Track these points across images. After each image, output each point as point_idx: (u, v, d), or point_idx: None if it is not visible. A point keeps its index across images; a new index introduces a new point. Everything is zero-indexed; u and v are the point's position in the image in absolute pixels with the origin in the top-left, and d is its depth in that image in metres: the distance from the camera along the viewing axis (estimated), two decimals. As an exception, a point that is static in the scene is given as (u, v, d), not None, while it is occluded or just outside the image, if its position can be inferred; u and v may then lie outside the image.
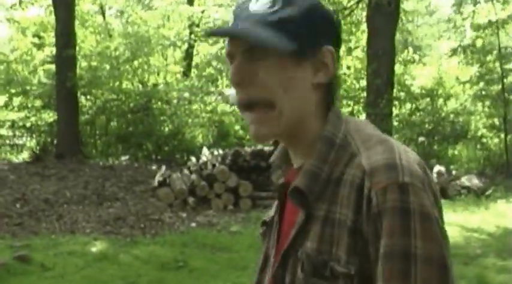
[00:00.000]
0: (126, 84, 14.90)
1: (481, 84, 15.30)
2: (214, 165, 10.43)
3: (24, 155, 15.94)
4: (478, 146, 15.55)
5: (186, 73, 16.86)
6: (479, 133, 15.35)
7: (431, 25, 26.93)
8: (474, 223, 9.45)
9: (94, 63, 15.22)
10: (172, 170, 11.20)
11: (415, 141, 14.29)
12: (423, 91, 15.75)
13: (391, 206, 1.00)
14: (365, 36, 15.32)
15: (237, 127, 15.10)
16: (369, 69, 14.02)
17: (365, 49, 15.31)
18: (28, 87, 15.25)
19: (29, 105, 15.39)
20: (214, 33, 1.32)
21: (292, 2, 1.15)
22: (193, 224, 9.01)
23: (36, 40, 15.31)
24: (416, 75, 17.31)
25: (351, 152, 1.12)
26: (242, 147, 13.04)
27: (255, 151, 10.53)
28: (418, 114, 15.30)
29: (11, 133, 16.89)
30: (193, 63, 17.78)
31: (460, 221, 9.45)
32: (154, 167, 13.56)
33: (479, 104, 15.67)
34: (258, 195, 10.20)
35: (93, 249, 7.51)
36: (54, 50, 15.92)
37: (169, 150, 14.00)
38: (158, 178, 10.50)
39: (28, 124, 15.76)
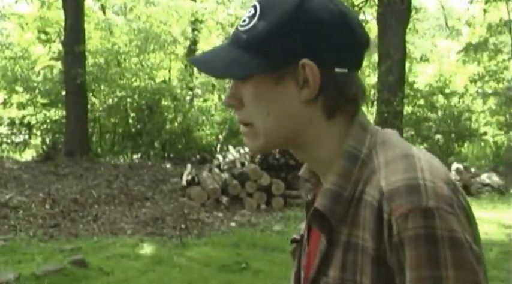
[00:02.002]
0: (134, 81, 14.60)
1: (491, 82, 15.41)
2: (243, 164, 10.27)
3: (27, 153, 15.57)
4: (483, 143, 15.69)
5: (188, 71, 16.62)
6: (488, 131, 15.47)
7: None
8: (508, 220, 9.49)
9: (101, 60, 14.89)
10: (196, 168, 11.00)
11: (432, 139, 14.32)
12: (430, 89, 15.81)
13: (414, 234, 0.90)
14: (372, 34, 15.29)
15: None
16: (382, 67, 14.00)
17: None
18: (34, 84, 14.82)
19: (35, 102, 14.97)
20: (189, 61, 1.24)
21: (268, 13, 1.04)
22: (233, 224, 8.84)
23: (42, 36, 14.90)
24: (419, 73, 17.42)
25: (371, 168, 1.02)
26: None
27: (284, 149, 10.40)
28: (432, 111, 15.32)
29: (9, 131, 16.49)
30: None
31: (493, 219, 9.49)
32: (168, 165, 13.35)
33: (488, 102, 15.81)
34: (289, 193, 10.08)
35: (143, 251, 7.30)
36: (59, 46, 15.64)
37: (181, 147, 13.77)
38: (186, 176, 10.30)
39: (33, 122, 15.35)
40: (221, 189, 9.79)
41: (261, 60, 1.04)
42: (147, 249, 7.40)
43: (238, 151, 10.89)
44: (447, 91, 15.91)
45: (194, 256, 7.13)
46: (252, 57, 1.04)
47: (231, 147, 11.35)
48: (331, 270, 1.03)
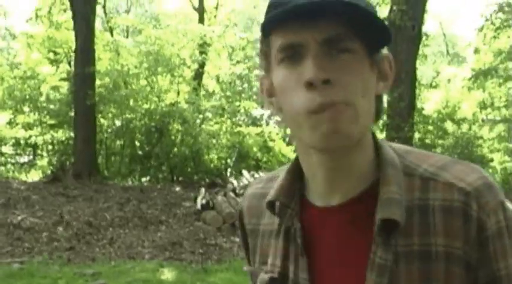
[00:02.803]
0: (144, 103, 14.53)
1: (502, 109, 15.44)
2: (258, 188, 10.16)
3: (33, 174, 15.42)
4: (491, 170, 15.68)
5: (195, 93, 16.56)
6: (495, 157, 15.48)
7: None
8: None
9: (107, 80, 14.81)
10: (208, 192, 10.86)
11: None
12: (439, 115, 15.82)
13: (501, 226, 0.95)
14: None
15: (255, 148, 14.86)
16: (394, 92, 13.96)
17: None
18: (43, 104, 14.73)
19: (42, 123, 14.85)
20: (297, 10, 0.90)
21: None
22: (251, 250, 8.69)
23: (51, 55, 14.85)
24: (426, 99, 17.42)
25: (420, 175, 0.98)
26: (262, 170, 12.86)
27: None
28: (442, 138, 15.31)
29: (14, 151, 16.36)
30: (203, 83, 17.52)
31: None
32: (178, 188, 13.21)
33: (495, 129, 15.84)
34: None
35: (164, 277, 7.14)
36: (67, 66, 15.59)
37: (191, 171, 13.65)
38: (200, 200, 10.15)
39: (40, 142, 15.23)
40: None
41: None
42: (167, 274, 7.24)
43: (252, 175, 10.79)
44: (456, 117, 15.92)
45: (217, 282, 6.98)
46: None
47: (244, 171, 11.23)
48: None
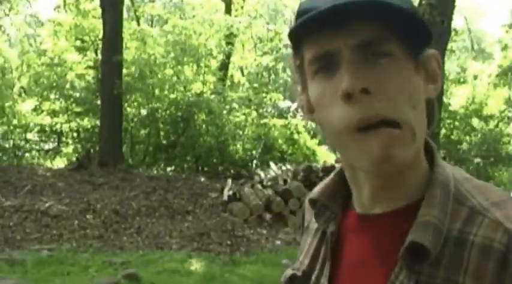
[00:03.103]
0: (170, 93, 14.51)
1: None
2: (285, 181, 10.10)
3: (58, 161, 15.49)
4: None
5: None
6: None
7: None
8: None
9: (133, 69, 14.80)
10: (235, 183, 10.82)
11: (471, 162, 14.11)
12: (466, 111, 15.64)
13: None
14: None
15: (280, 140, 14.79)
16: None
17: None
18: (69, 92, 14.77)
19: (69, 110, 14.90)
20: (325, 13, 0.81)
21: None
22: (278, 242, 8.65)
23: (78, 43, 14.87)
24: (451, 95, 17.23)
25: (471, 207, 0.86)
26: (289, 162, 12.77)
27: (327, 167, 10.24)
28: (469, 134, 15.15)
29: (39, 138, 16.43)
30: (229, 74, 17.45)
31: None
32: (203, 179, 13.16)
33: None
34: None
35: (193, 267, 7.12)
36: (93, 54, 15.59)
37: (216, 162, 13.62)
38: (227, 192, 10.11)
39: (65, 130, 15.28)
40: (264, 205, 9.61)
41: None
42: (196, 265, 7.22)
43: (280, 168, 10.72)
44: (482, 114, 15.75)
45: (246, 274, 6.94)
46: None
47: (272, 164, 11.16)
48: None
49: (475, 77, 16.36)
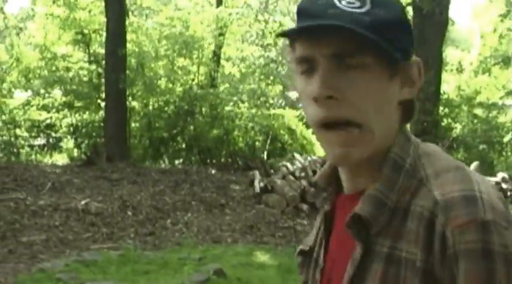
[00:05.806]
0: (175, 86, 14.43)
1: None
2: (314, 171, 10.25)
3: (57, 157, 15.18)
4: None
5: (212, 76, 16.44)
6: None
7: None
8: None
9: (132, 62, 14.61)
10: (262, 175, 10.89)
11: (476, 148, 14.56)
12: (461, 99, 16.09)
13: (471, 248, 0.86)
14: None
15: (282, 131, 14.91)
16: (424, 77, 14.09)
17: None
18: (73, 87, 14.47)
19: (70, 105, 14.59)
20: (302, 29, 0.96)
21: (382, 4, 0.96)
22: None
23: (78, 37, 14.54)
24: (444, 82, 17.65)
25: (419, 179, 0.96)
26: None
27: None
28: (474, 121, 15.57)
29: (35, 134, 16.02)
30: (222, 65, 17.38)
31: None
32: (214, 171, 13.17)
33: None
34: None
35: (260, 260, 7.21)
36: (91, 48, 15.27)
37: (226, 154, 13.66)
38: (258, 184, 10.20)
39: (65, 125, 14.97)
40: (300, 196, 9.76)
41: (394, 49, 0.95)
42: (262, 258, 7.31)
43: (306, 159, 10.87)
44: (477, 101, 16.24)
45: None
46: (386, 43, 0.94)
47: (297, 155, 11.29)
48: (368, 283, 0.96)
49: (471, 63, 16.85)
